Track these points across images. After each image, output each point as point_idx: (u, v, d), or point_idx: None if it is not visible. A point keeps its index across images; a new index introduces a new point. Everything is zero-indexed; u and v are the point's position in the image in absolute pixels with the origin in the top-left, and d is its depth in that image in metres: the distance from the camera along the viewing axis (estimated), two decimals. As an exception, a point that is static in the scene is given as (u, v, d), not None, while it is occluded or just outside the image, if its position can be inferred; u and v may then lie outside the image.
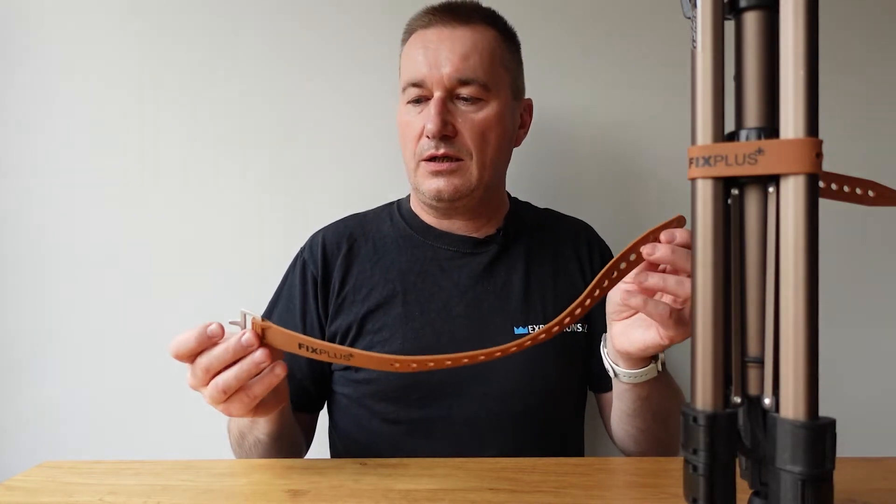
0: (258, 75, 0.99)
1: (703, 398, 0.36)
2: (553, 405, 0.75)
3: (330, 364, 0.78)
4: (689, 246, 0.50)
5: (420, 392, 0.72)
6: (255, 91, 0.99)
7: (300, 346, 0.48)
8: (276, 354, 0.51)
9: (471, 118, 0.73)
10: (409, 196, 0.85)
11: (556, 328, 0.49)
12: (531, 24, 0.98)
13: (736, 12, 0.37)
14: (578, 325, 0.77)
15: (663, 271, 0.53)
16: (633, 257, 0.52)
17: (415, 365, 0.48)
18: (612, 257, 0.84)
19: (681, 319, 0.52)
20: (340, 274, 0.77)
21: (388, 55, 0.96)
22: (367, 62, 0.98)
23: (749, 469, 0.38)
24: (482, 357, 0.49)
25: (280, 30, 0.99)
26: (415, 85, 0.73)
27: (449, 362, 0.48)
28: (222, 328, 0.50)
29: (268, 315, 0.80)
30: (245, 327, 0.49)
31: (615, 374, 0.63)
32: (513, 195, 0.88)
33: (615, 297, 0.58)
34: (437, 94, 0.72)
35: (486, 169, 0.74)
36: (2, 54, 0.99)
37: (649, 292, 0.54)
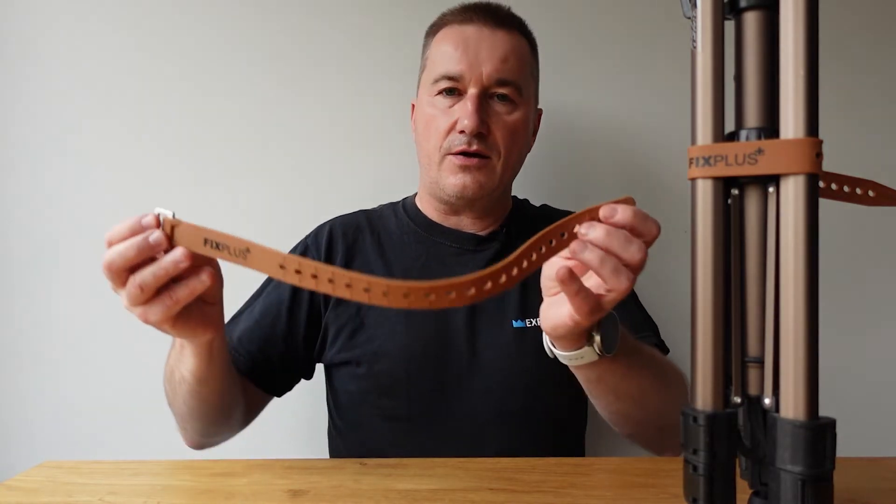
0: (258, 75, 0.99)
1: (703, 398, 0.36)
2: (554, 399, 0.75)
3: (311, 351, 0.77)
4: (633, 228, 0.45)
5: (420, 388, 0.73)
6: (256, 90, 0.99)
7: (206, 241, 0.44)
8: (201, 261, 0.47)
9: (504, 119, 0.73)
10: (414, 194, 0.85)
11: (472, 291, 0.39)
12: (530, 23, 0.98)
13: (736, 12, 0.37)
14: None
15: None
16: (564, 235, 0.45)
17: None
18: None
19: (598, 308, 0.47)
20: (343, 264, 0.77)
21: (397, 54, 0.96)
22: (378, 61, 0.98)
23: (749, 469, 0.38)
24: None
25: (284, 27, 0.99)
26: (450, 78, 0.73)
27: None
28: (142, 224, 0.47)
29: (256, 296, 0.79)
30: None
31: (553, 356, 0.56)
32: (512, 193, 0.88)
33: (548, 270, 0.53)
34: (474, 91, 0.72)
35: (508, 170, 0.75)
36: (1, 54, 0.99)
37: (581, 268, 0.48)
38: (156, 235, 0.45)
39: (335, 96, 0.99)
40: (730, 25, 0.37)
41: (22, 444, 1.00)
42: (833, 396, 0.92)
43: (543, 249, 0.45)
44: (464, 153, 0.72)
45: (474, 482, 0.52)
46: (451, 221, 0.80)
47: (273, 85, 0.99)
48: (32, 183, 1.00)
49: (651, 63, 0.99)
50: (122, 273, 0.46)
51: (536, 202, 0.90)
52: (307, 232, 0.84)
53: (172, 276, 0.46)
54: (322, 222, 0.83)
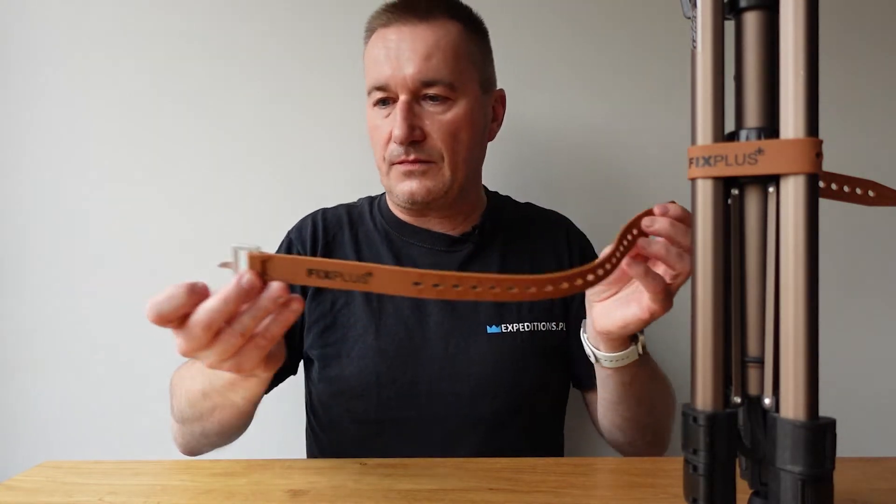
0: (259, 74, 0.99)
1: (703, 398, 0.36)
2: (529, 405, 0.74)
3: (294, 339, 0.76)
4: (686, 221, 0.50)
5: (391, 391, 0.72)
6: (257, 89, 0.99)
7: (310, 272, 0.40)
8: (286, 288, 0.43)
9: (439, 119, 0.70)
10: (384, 193, 0.84)
11: (569, 284, 0.41)
12: (528, 20, 0.98)
13: (736, 12, 0.37)
14: (554, 325, 0.76)
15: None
16: (632, 235, 0.51)
17: (439, 286, 0.40)
18: (591, 248, 0.84)
19: (669, 294, 0.52)
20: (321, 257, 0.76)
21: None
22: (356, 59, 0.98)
23: (749, 469, 0.38)
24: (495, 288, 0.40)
25: (280, 28, 0.99)
26: (379, 88, 0.71)
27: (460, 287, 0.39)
28: (206, 287, 0.42)
29: None
30: (239, 268, 0.41)
31: (596, 360, 0.62)
32: (500, 191, 0.87)
33: None
34: (402, 98, 0.69)
35: (458, 169, 0.72)
36: (1, 52, 0.99)
37: (644, 259, 0.52)
38: (248, 278, 0.40)
39: (314, 92, 0.99)
40: (730, 25, 0.37)
41: (22, 444, 1.00)
42: (833, 396, 0.92)
43: (622, 249, 0.49)
44: (403, 163, 0.71)
45: (474, 482, 0.52)
46: (419, 222, 0.79)
47: (257, 84, 0.99)
48: (32, 183, 1.00)
49: (651, 63, 0.99)
50: (217, 332, 0.41)
51: (540, 204, 0.89)
52: (289, 226, 0.83)
53: (270, 313, 0.42)
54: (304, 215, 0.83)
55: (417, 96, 0.70)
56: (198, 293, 0.40)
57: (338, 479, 0.53)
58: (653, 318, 0.54)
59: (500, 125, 0.81)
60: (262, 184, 1.00)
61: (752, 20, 0.36)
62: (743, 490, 0.37)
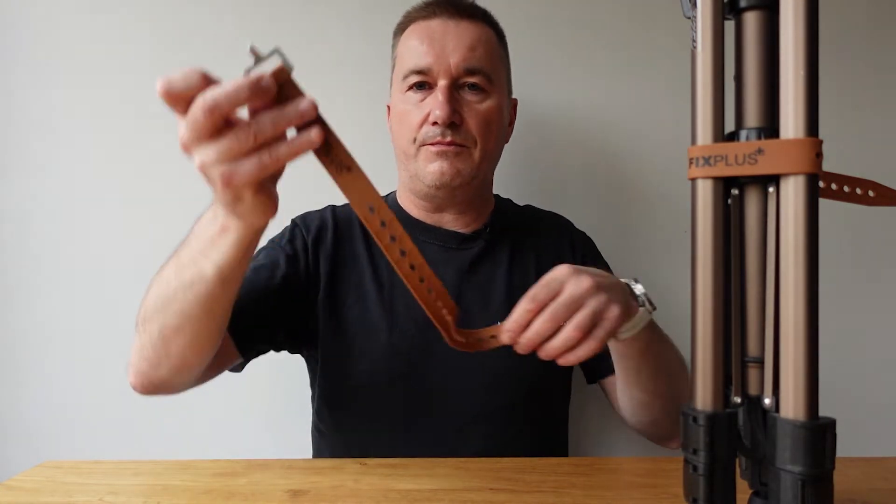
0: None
1: (703, 398, 0.36)
2: (537, 399, 0.75)
3: (294, 322, 0.74)
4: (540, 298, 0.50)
5: (401, 388, 0.73)
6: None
7: (317, 120, 0.40)
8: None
9: (476, 108, 0.73)
10: (394, 192, 0.84)
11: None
12: (529, 21, 0.98)
13: (736, 12, 0.37)
14: None
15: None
16: None
17: (385, 225, 0.44)
18: (593, 247, 0.85)
19: (594, 336, 0.50)
20: (331, 251, 0.77)
21: (371, 55, 0.97)
22: (364, 61, 0.98)
23: (749, 469, 0.38)
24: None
25: (280, 28, 0.99)
26: (418, 72, 0.73)
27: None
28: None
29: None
30: (263, 69, 0.38)
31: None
32: (501, 194, 0.88)
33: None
34: (444, 82, 0.72)
35: (485, 159, 0.75)
36: (1, 52, 0.99)
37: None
38: (268, 80, 0.38)
39: (316, 94, 0.99)
40: (730, 25, 0.37)
41: (22, 444, 1.00)
42: (833, 396, 0.92)
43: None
44: (439, 144, 0.72)
45: (474, 482, 0.52)
46: (433, 219, 0.79)
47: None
48: (31, 182, 1.00)
49: (651, 63, 0.99)
50: (219, 121, 0.39)
51: (541, 206, 0.90)
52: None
53: (292, 126, 0.40)
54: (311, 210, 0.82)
55: (458, 83, 0.73)
56: (211, 80, 0.39)
57: (338, 479, 0.53)
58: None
59: (512, 131, 0.84)
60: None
61: (752, 20, 0.36)
62: (743, 490, 0.37)
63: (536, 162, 1.00)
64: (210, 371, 0.66)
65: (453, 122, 0.71)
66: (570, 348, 0.49)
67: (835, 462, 0.33)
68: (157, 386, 0.60)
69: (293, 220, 0.80)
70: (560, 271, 0.51)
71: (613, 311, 0.50)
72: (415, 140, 0.74)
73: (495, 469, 0.55)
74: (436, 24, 0.74)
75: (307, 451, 0.82)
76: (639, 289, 0.57)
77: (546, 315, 0.49)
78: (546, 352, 0.50)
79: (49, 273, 1.00)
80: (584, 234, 0.86)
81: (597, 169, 1.01)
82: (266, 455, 0.80)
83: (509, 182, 0.96)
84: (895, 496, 0.49)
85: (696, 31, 0.36)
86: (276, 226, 0.85)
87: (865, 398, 1.00)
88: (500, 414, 0.73)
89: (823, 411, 0.34)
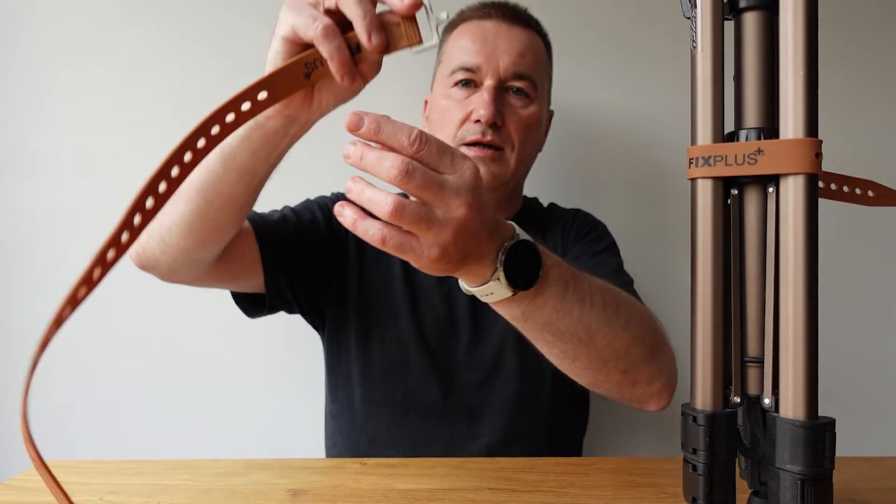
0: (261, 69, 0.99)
1: (702, 398, 0.36)
2: (551, 399, 0.75)
3: (319, 277, 0.74)
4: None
5: (419, 375, 0.73)
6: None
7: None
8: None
9: (518, 112, 0.74)
10: None
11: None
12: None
13: (735, 13, 0.37)
14: None
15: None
16: (263, 95, 0.41)
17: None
18: (583, 220, 0.82)
19: (402, 244, 0.39)
20: (354, 240, 0.76)
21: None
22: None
23: (748, 469, 0.38)
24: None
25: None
26: (467, 69, 0.73)
27: None
28: None
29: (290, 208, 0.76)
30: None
31: (469, 293, 0.48)
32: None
33: None
34: (490, 83, 0.72)
35: (521, 164, 0.75)
36: (1, 52, 0.99)
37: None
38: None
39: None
40: (729, 26, 0.37)
41: (21, 443, 1.00)
42: (833, 396, 0.92)
43: (232, 117, 0.41)
44: (478, 143, 0.72)
45: (474, 482, 0.52)
46: None
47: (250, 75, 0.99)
48: (30, 182, 1.00)
49: (651, 63, 0.99)
50: None
51: (543, 201, 0.90)
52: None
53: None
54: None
55: (503, 86, 0.73)
56: None
57: (338, 479, 0.53)
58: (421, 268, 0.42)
59: (546, 139, 0.84)
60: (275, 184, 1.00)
61: (751, 20, 0.36)
62: (742, 490, 0.37)
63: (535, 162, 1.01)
64: (224, 268, 0.65)
65: (495, 123, 0.71)
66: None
67: (834, 461, 0.33)
68: (148, 261, 0.60)
69: (334, 193, 0.81)
70: (463, 181, 0.39)
71: (424, 253, 0.39)
72: (454, 137, 0.73)
73: (495, 469, 0.56)
74: (489, 26, 0.74)
75: (308, 450, 0.82)
76: (499, 260, 0.43)
77: (379, 166, 0.38)
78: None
79: (49, 273, 1.00)
80: (573, 211, 0.86)
81: (596, 169, 1.01)
82: (267, 455, 0.80)
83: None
84: (895, 495, 0.49)
85: (695, 32, 0.37)
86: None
87: (865, 398, 1.00)
88: (515, 405, 0.73)
89: (823, 411, 0.34)
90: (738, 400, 0.37)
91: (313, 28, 0.41)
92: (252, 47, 0.99)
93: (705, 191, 0.36)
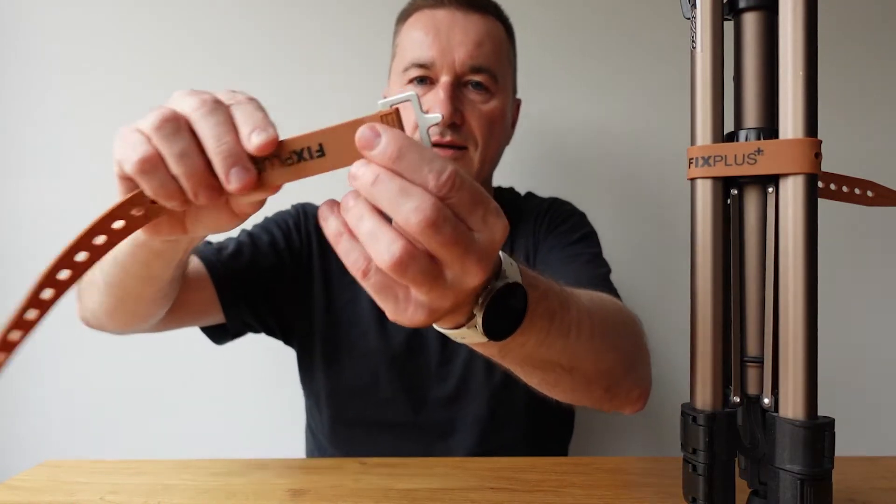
0: (259, 71, 0.99)
1: (702, 398, 0.36)
2: (526, 408, 0.73)
3: (282, 300, 0.72)
4: (398, 169, 0.29)
5: (388, 392, 0.72)
6: (256, 86, 0.99)
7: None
8: None
9: (479, 108, 0.69)
10: None
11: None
12: (530, 21, 0.98)
13: (735, 13, 0.37)
14: None
15: None
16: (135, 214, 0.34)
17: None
18: (559, 209, 0.78)
19: (384, 287, 0.31)
20: (326, 249, 0.74)
21: (371, 43, 0.97)
22: (366, 52, 0.98)
23: (748, 468, 0.38)
24: None
25: (279, 22, 0.99)
26: (420, 65, 0.69)
27: None
28: None
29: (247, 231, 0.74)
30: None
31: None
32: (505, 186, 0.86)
33: None
34: (446, 79, 0.68)
35: (486, 161, 0.71)
36: (1, 51, 0.99)
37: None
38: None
39: (306, 86, 0.99)
40: (729, 26, 0.37)
41: (23, 443, 1.00)
42: (832, 396, 0.93)
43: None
44: (437, 145, 0.67)
45: (474, 482, 0.52)
46: None
47: (266, 83, 0.99)
48: (30, 182, 1.00)
49: (650, 63, 0.99)
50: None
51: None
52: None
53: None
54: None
55: (461, 81, 0.69)
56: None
57: (338, 479, 0.53)
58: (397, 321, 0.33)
59: (514, 131, 0.81)
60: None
61: (751, 21, 0.36)
62: (742, 489, 0.37)
63: (532, 162, 1.01)
64: (181, 316, 0.63)
65: (454, 123, 0.68)
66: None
67: (833, 461, 0.33)
68: (95, 326, 0.59)
69: (295, 206, 0.79)
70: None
71: (407, 311, 0.32)
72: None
73: (495, 469, 0.56)
74: (442, 15, 0.69)
75: (307, 450, 0.82)
76: (479, 306, 0.34)
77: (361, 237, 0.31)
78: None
79: (50, 273, 1.00)
80: (549, 200, 0.82)
81: (594, 170, 1.01)
82: (267, 454, 0.80)
83: (506, 182, 0.97)
84: (894, 495, 0.49)
85: (695, 32, 0.37)
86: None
87: (864, 397, 1.00)
88: (488, 421, 0.72)
89: (822, 411, 0.34)
90: (738, 400, 0.37)
91: (129, 162, 0.33)
92: (253, 47, 0.99)
93: (705, 191, 0.36)
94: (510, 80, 0.75)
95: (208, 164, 0.32)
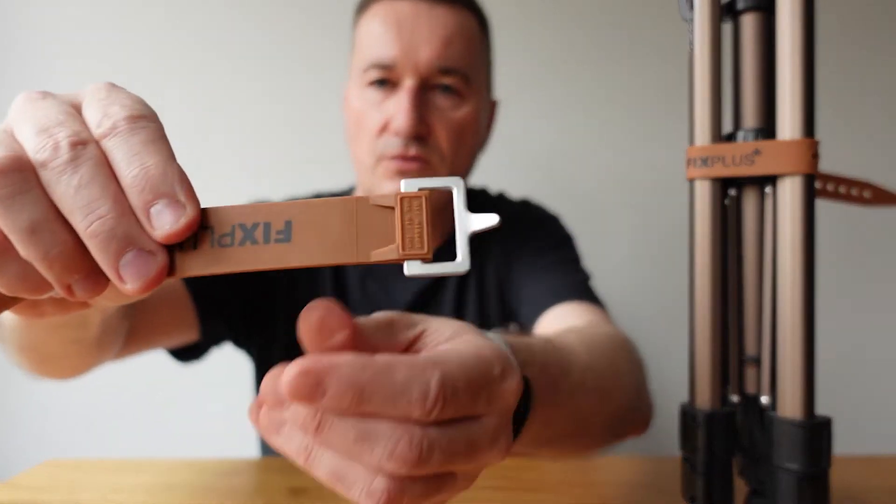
0: (258, 70, 0.99)
1: (701, 397, 0.37)
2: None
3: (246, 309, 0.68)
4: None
5: None
6: (256, 86, 1.00)
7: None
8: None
9: (448, 116, 0.61)
10: (352, 188, 0.74)
11: None
12: (530, 22, 0.98)
13: (733, 14, 0.37)
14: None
15: None
16: None
17: None
18: (525, 218, 0.71)
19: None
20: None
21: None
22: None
23: (747, 467, 0.38)
24: None
25: (277, 22, 0.99)
26: (381, 66, 0.60)
27: None
28: None
29: None
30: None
31: None
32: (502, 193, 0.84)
33: None
34: (410, 83, 0.59)
35: (455, 173, 0.63)
36: (1, 51, 0.99)
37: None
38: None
39: (307, 86, 0.99)
40: (728, 27, 0.37)
41: (24, 442, 1.00)
42: (830, 395, 0.93)
43: None
44: (399, 158, 0.60)
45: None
46: None
47: (265, 82, 1.00)
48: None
49: (649, 64, 0.99)
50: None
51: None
52: None
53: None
54: None
55: (427, 84, 0.61)
56: None
57: (339, 478, 0.54)
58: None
59: (490, 134, 0.73)
60: (270, 183, 1.00)
61: (749, 22, 0.36)
62: (741, 489, 0.37)
63: (530, 164, 1.01)
64: (147, 341, 0.57)
65: (419, 134, 0.59)
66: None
67: (832, 460, 0.34)
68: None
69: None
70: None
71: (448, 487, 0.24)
72: (373, 151, 0.62)
73: (495, 468, 0.56)
74: (405, 7, 0.60)
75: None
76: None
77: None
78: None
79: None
80: (520, 204, 0.76)
81: (594, 170, 1.01)
82: (267, 454, 0.80)
83: (503, 184, 0.97)
84: (893, 494, 0.49)
85: (693, 34, 0.37)
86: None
87: (863, 396, 1.01)
88: None
89: (820, 410, 0.34)
90: (737, 399, 0.37)
91: None
92: (253, 48, 0.99)
93: (703, 191, 0.36)
94: (484, 79, 0.67)
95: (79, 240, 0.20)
